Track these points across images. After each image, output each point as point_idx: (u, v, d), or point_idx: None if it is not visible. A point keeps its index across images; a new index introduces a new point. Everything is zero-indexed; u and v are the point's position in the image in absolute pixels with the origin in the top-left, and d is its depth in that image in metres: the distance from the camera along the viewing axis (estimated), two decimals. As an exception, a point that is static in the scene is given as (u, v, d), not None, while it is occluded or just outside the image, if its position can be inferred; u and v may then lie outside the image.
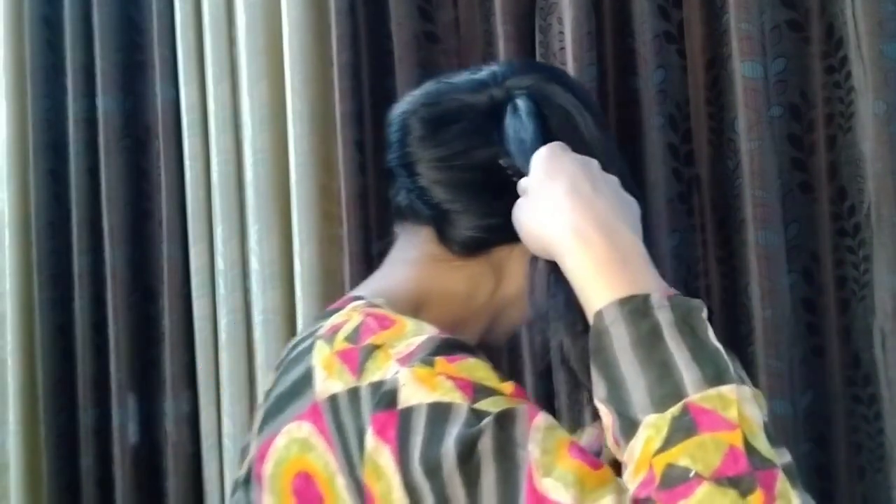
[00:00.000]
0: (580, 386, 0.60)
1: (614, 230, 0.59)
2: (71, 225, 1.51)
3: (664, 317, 0.53)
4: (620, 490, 0.49)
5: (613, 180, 0.64)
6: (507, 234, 0.67)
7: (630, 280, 0.56)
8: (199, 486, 1.40)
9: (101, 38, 1.47)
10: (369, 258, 1.23)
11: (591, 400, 0.56)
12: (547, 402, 1.12)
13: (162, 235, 1.43)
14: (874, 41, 0.99)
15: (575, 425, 1.05)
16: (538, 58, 1.17)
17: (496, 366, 0.59)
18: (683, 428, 0.48)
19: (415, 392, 0.54)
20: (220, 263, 1.36)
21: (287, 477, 0.58)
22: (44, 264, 1.53)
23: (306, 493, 0.57)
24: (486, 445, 0.51)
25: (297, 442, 0.58)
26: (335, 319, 0.63)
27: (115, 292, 1.45)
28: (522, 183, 0.65)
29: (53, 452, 1.51)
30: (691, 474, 0.46)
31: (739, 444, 0.47)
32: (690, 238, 1.12)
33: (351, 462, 0.55)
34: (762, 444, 0.48)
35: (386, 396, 0.55)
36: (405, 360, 0.57)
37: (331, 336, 0.61)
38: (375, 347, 0.58)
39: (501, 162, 0.68)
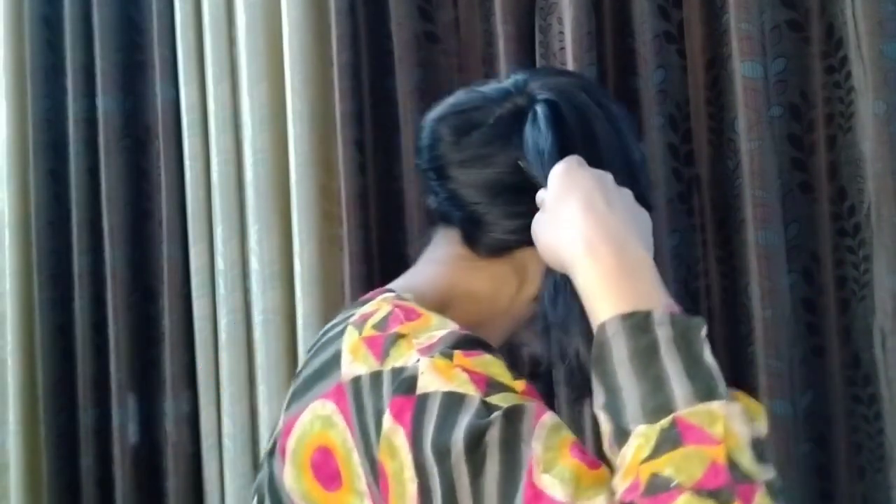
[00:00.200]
0: (584, 391, 0.62)
1: (624, 245, 0.60)
2: (71, 225, 1.51)
3: (663, 333, 0.55)
4: (614, 491, 0.52)
5: (627, 194, 0.66)
6: (529, 237, 0.69)
7: (636, 295, 0.58)
8: (199, 486, 1.40)
9: (101, 38, 1.48)
10: (369, 258, 1.24)
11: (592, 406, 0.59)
12: (547, 403, 1.12)
13: (162, 235, 1.44)
14: (874, 41, 0.99)
15: (575, 426, 1.05)
16: (538, 58, 1.17)
17: (514, 366, 0.62)
18: (670, 440, 0.51)
19: (432, 380, 0.58)
20: (220, 263, 1.36)
21: (308, 451, 0.62)
22: (44, 264, 1.53)
23: (324, 467, 0.61)
24: (493, 437, 0.54)
25: (321, 418, 0.62)
26: (366, 308, 0.67)
27: (115, 292, 1.45)
28: (540, 195, 0.68)
29: (53, 452, 1.51)
30: (673, 484, 0.49)
31: (721, 460, 0.49)
32: (690, 238, 1.12)
33: (368, 440, 0.59)
34: (746, 459, 0.50)
35: (405, 382, 0.59)
36: (426, 351, 0.60)
37: (361, 323, 0.65)
38: (400, 336, 0.62)
39: (521, 164, 0.71)
